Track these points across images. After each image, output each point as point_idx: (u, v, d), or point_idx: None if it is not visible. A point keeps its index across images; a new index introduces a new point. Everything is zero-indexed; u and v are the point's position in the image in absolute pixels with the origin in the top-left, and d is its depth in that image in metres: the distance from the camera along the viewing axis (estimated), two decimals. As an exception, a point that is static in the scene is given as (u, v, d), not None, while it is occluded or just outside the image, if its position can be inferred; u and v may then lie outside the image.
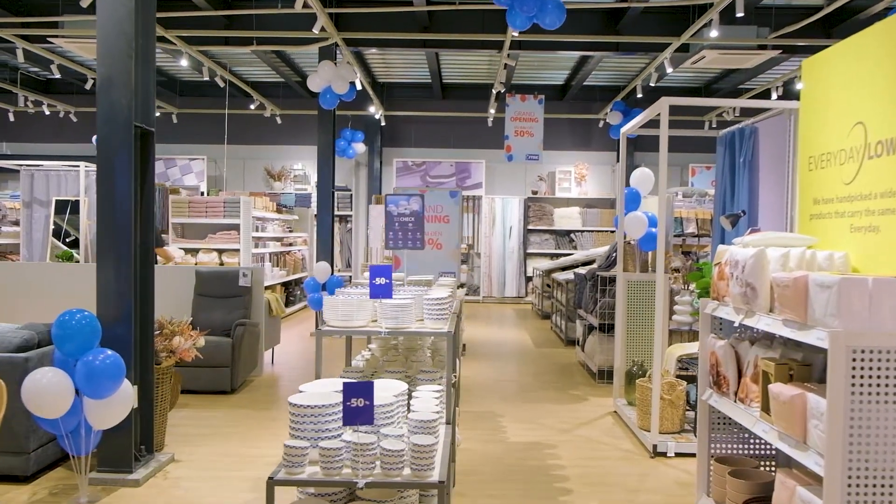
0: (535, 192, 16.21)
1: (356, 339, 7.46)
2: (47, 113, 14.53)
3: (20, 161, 12.17)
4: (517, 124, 12.20)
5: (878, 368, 2.56)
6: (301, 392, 3.22)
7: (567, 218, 15.92)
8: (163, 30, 9.45)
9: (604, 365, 7.51)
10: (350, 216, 16.39)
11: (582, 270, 8.99)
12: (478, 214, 16.21)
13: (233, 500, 4.25)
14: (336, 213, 15.52)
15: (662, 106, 5.22)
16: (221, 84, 12.44)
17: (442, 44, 10.99)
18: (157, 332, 5.04)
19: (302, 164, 16.26)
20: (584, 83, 14.53)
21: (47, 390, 3.81)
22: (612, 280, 7.29)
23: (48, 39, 10.04)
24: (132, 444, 4.52)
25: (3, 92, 14.35)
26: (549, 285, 12.42)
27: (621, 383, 6.41)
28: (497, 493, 4.48)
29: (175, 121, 15.44)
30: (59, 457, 4.65)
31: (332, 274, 9.51)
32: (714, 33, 8.59)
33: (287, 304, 12.77)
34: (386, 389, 3.27)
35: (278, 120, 15.41)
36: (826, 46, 3.63)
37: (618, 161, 14.41)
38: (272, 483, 2.73)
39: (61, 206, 11.07)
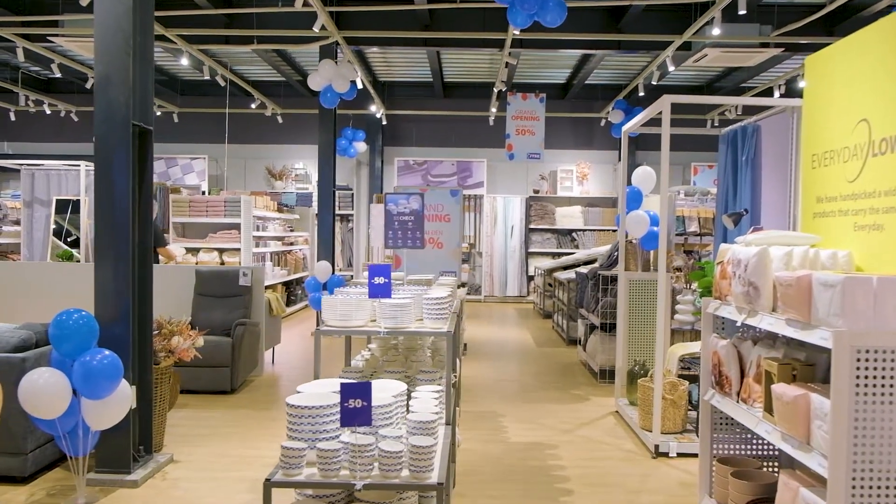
0: (536, 191, 16.17)
1: (356, 339, 7.42)
2: (48, 112, 14.52)
3: (21, 160, 12.15)
4: (518, 123, 12.17)
5: (883, 368, 2.53)
6: (299, 392, 3.19)
7: (569, 217, 15.88)
8: (163, 28, 9.42)
9: (605, 364, 7.48)
10: (351, 215, 16.37)
11: (583, 269, 8.96)
12: (479, 213, 16.17)
13: (231, 502, 4.22)
14: (337, 212, 15.51)
15: (664, 104, 5.18)
16: (222, 83, 12.42)
17: (443, 42, 10.96)
18: (156, 331, 5.01)
19: (303, 164, 16.23)
20: (586, 82, 14.48)
21: (44, 391, 3.78)
22: (614, 279, 7.25)
23: (48, 38, 10.02)
24: (130, 445, 4.49)
25: (4, 91, 14.34)
26: (550, 284, 12.38)
27: (623, 383, 6.38)
28: (497, 493, 4.45)
29: (176, 120, 15.42)
30: (57, 457, 4.63)
31: (333, 273, 9.49)
32: (716, 31, 8.54)
33: (288, 303, 12.75)
34: (385, 390, 3.24)
35: (279, 119, 15.38)
36: (829, 44, 3.59)
37: (619, 160, 14.36)
38: (269, 485, 2.70)
39: (62, 206, 11.06)
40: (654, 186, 6.51)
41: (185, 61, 10.77)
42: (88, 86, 12.06)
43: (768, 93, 13.01)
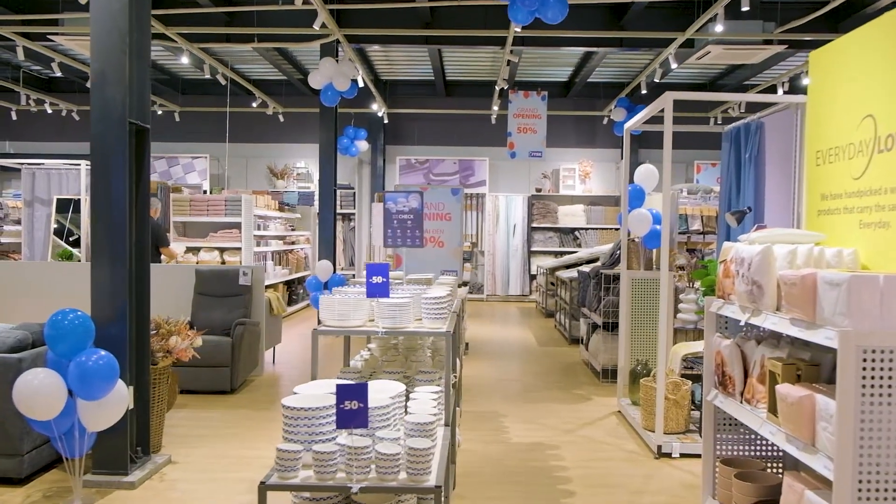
0: (538, 190, 16.12)
1: (356, 339, 7.38)
2: (49, 111, 14.48)
3: (22, 160, 12.13)
4: (520, 121, 12.11)
5: (890, 369, 2.48)
6: (295, 394, 3.15)
7: (571, 215, 15.82)
8: (163, 27, 9.39)
9: (608, 364, 7.43)
10: (353, 214, 16.32)
11: (586, 268, 8.91)
12: (481, 212, 16.12)
13: (229, 503, 4.18)
14: (339, 211, 15.48)
15: (666, 101, 5.13)
16: (223, 82, 12.38)
17: (444, 40, 10.91)
18: (154, 331, 4.97)
19: (305, 163, 16.19)
20: (588, 80, 14.43)
21: (39, 392, 3.73)
22: (616, 278, 7.20)
23: (48, 37, 9.99)
24: (128, 446, 4.45)
25: (5, 90, 14.32)
26: (553, 283, 12.33)
27: (625, 383, 6.32)
28: (498, 495, 4.40)
29: (177, 119, 15.39)
30: (54, 459, 4.58)
31: (335, 272, 9.45)
32: (719, 28, 8.48)
33: (290, 302, 12.72)
34: (383, 391, 3.19)
35: (281, 118, 15.34)
36: (833, 41, 3.53)
37: (622, 158, 14.31)
38: (264, 488, 2.66)
39: (64, 205, 11.04)
40: (657, 184, 6.45)
41: (185, 60, 10.72)
42: (89, 85, 12.01)
43: (772, 90, 12.94)
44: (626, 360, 6.43)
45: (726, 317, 3.71)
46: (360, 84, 10.85)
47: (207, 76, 11.75)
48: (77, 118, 15.01)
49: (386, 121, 15.64)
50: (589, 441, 5.53)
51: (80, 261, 10.10)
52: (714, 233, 7.36)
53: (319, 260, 9.83)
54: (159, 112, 15.26)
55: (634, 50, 11.42)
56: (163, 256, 8.87)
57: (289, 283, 12.87)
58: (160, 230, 9.13)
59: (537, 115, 12.11)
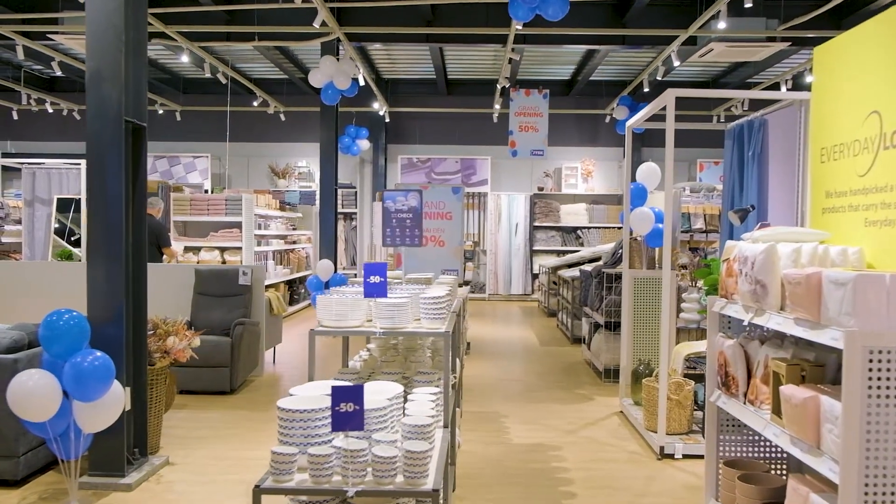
0: (541, 189, 16.06)
1: (356, 339, 7.34)
2: (50, 111, 14.46)
3: (23, 159, 12.11)
4: (521, 119, 12.05)
5: (897, 370, 2.42)
6: (291, 395, 3.10)
7: (573, 214, 15.76)
8: (162, 25, 9.35)
9: (610, 364, 7.38)
10: (355, 214, 16.28)
11: (587, 267, 8.85)
12: (483, 211, 16.06)
13: (227, 505, 4.15)
14: (341, 210, 15.44)
15: (668, 98, 5.07)
16: (223, 81, 12.34)
17: (445, 38, 10.86)
18: (151, 332, 4.93)
19: (306, 162, 16.14)
20: (591, 78, 14.36)
21: (33, 393, 3.69)
22: (618, 277, 7.15)
23: (48, 36, 9.96)
24: (124, 448, 4.41)
25: (6, 90, 14.30)
26: (555, 283, 12.27)
27: (627, 383, 6.27)
28: (498, 496, 4.36)
29: (179, 118, 15.36)
30: (50, 460, 4.54)
31: (336, 272, 9.40)
32: (722, 25, 8.41)
33: (291, 302, 12.68)
34: (380, 392, 3.14)
35: (282, 117, 15.31)
36: (838, 36, 3.48)
37: (624, 156, 14.28)
38: (259, 492, 2.61)
39: (65, 205, 11.02)
40: (659, 183, 6.39)
41: (185, 59, 10.69)
42: (85, 83, 11.98)
43: (775, 88, 12.87)
44: (629, 359, 6.39)
45: (729, 316, 3.65)
46: (362, 83, 10.81)
47: (208, 75, 11.71)
48: (78, 117, 14.98)
49: (387, 119, 15.60)
50: (590, 442, 5.48)
51: (80, 260, 10.06)
52: (717, 231, 7.30)
53: (320, 259, 9.80)
54: (160, 111, 15.23)
55: (637, 48, 11.35)
56: (164, 256, 8.84)
57: (290, 283, 12.83)
58: (162, 230, 9.10)
59: (539, 113, 12.05)
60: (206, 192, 15.22)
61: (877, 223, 3.03)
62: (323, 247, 11.31)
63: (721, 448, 3.77)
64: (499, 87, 12.36)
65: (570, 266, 11.35)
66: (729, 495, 3.49)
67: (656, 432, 5.16)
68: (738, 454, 3.76)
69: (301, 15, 9.38)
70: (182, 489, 4.39)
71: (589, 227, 15.68)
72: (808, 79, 11.78)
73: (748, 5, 7.43)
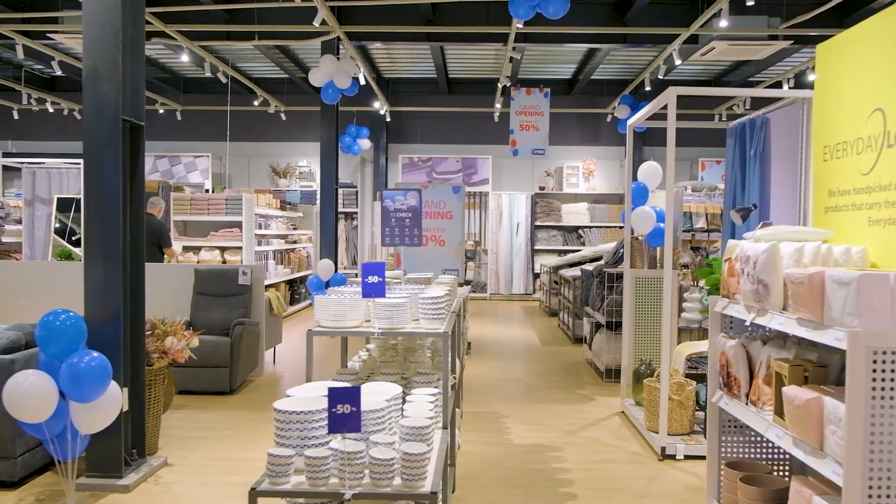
0: (542, 188, 16.02)
1: (355, 339, 7.31)
2: (51, 110, 14.44)
3: (24, 159, 12.10)
4: (522, 118, 12.01)
5: (901, 371, 2.39)
6: (288, 396, 3.07)
7: (575, 214, 15.72)
8: (162, 24, 9.32)
9: (611, 364, 7.34)
10: (356, 213, 16.24)
11: (589, 267, 8.81)
12: (485, 211, 16.03)
13: (225, 507, 4.12)
14: (342, 209, 15.41)
15: (670, 96, 5.03)
16: (224, 80, 12.31)
17: (446, 37, 10.83)
18: (149, 332, 4.90)
19: (307, 161, 16.11)
20: (592, 77, 14.32)
21: (29, 394, 3.66)
22: (620, 277, 7.11)
23: (48, 35, 9.93)
24: (122, 449, 4.38)
25: (7, 90, 14.28)
26: (556, 282, 12.24)
27: (629, 383, 6.24)
28: (498, 498, 4.32)
29: (179, 118, 15.34)
30: (48, 461, 4.52)
31: (337, 271, 9.37)
32: (724, 23, 8.37)
33: (292, 301, 12.66)
34: (378, 393, 3.11)
35: (283, 116, 15.28)
36: (841, 33, 3.44)
37: (626, 155, 14.24)
38: (254, 494, 2.58)
39: (66, 205, 11.00)
40: (661, 182, 6.36)
41: (185, 58, 10.66)
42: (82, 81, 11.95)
43: (777, 87, 12.83)
44: (630, 359, 6.35)
45: (731, 316, 3.62)
46: (362, 82, 10.78)
47: (209, 75, 11.68)
48: (79, 117, 14.94)
49: (388, 119, 15.57)
50: (591, 442, 5.44)
51: (79, 260, 10.04)
52: (719, 230, 7.26)
53: (321, 259, 9.77)
54: (161, 111, 15.22)
55: (638, 46, 11.32)
56: (165, 256, 8.82)
57: (291, 283, 12.80)
58: (164, 230, 9.08)
59: (540, 112, 12.01)
60: (207, 191, 15.20)
61: (880, 222, 2.99)
62: (323, 246, 11.28)
63: (723, 449, 3.73)
64: (500, 86, 12.32)
65: (571, 265, 11.31)
66: (731, 497, 3.45)
67: (658, 433, 5.13)
68: (740, 455, 3.73)
69: (301, 14, 9.35)
70: (180, 490, 4.36)
71: (590, 227, 15.64)
72: (811, 77, 11.73)
73: (750, 3, 7.40)
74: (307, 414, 2.76)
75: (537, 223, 15.76)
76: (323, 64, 9.48)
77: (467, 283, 12.65)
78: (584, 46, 12.24)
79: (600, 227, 15.58)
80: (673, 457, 5.01)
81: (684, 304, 6.38)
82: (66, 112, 14.87)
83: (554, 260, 13.29)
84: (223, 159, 15.84)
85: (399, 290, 4.10)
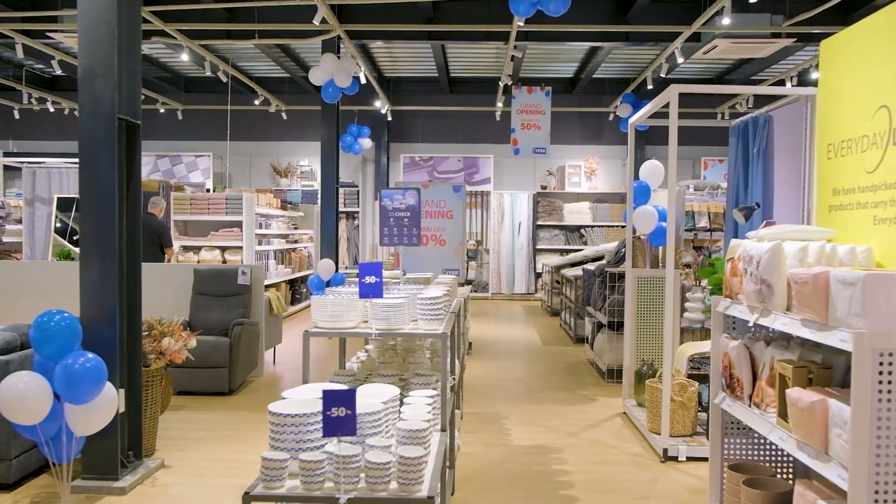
0: (544, 187, 15.97)
1: (354, 339, 7.26)
2: (52, 110, 14.41)
3: (24, 159, 12.07)
4: (523, 117, 11.96)
5: (908, 373, 2.34)
6: (284, 399, 3.03)
7: (577, 213, 15.66)
8: (162, 23, 9.28)
9: (613, 364, 7.29)
10: (357, 213, 16.20)
11: (590, 266, 8.76)
12: (486, 210, 15.98)
13: (222, 509, 4.08)
14: (343, 209, 15.37)
15: (672, 94, 4.98)
16: (224, 79, 12.28)
17: (447, 35, 10.78)
18: (146, 333, 4.86)
19: (308, 161, 16.07)
20: (594, 76, 14.26)
21: (23, 395, 3.62)
22: (622, 276, 7.06)
23: (48, 34, 9.90)
24: (118, 450, 4.34)
25: (8, 89, 14.25)
26: (558, 282, 12.19)
27: (630, 383, 6.19)
28: (498, 500, 4.28)
29: (180, 117, 15.31)
30: (43, 464, 4.47)
31: (337, 271, 9.33)
32: (726, 21, 8.31)
33: (293, 301, 12.62)
34: (375, 395, 3.07)
35: (284, 115, 15.24)
36: (845, 29, 3.39)
37: (628, 154, 14.17)
38: (248, 498, 2.54)
39: (67, 204, 10.97)
40: (663, 181, 6.30)
41: (185, 57, 10.62)
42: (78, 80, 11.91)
43: (780, 85, 12.75)
44: (632, 360, 6.30)
45: (734, 317, 3.56)
46: (363, 81, 10.74)
47: (209, 74, 11.64)
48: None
49: (389, 118, 15.52)
50: (593, 444, 5.39)
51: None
52: (721, 230, 7.21)
53: (322, 259, 9.72)
54: (162, 110, 15.18)
55: (640, 45, 11.25)
56: (167, 257, 8.79)
57: (292, 283, 12.76)
58: (165, 230, 9.05)
59: (541, 111, 11.96)
60: (209, 191, 15.16)
61: (886, 221, 2.94)
62: (324, 246, 11.24)
63: (726, 451, 3.68)
64: (501, 84, 12.27)
65: (573, 265, 11.26)
66: (734, 500, 3.40)
67: (660, 434, 5.08)
68: (744, 458, 3.68)
69: (301, 12, 9.30)
70: (176, 492, 4.32)
71: (592, 226, 15.59)
72: (814, 75, 11.67)
73: (753, 1, 7.33)
74: (302, 417, 2.71)
75: (539, 222, 15.70)
76: (323, 63, 9.44)
77: (469, 282, 12.59)
78: (586, 45, 12.18)
79: (602, 226, 15.52)
80: (675, 458, 4.96)
81: (686, 304, 6.32)
82: (66, 112, 14.85)
83: (556, 259, 13.24)
84: (224, 159, 15.81)
85: (397, 290, 4.05)
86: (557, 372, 7.97)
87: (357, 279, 3.37)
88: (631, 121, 6.42)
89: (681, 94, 4.98)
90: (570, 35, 10.66)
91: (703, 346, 5.64)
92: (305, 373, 3.37)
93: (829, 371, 2.81)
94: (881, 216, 2.97)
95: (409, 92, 15.83)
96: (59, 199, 11.04)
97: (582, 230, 15.71)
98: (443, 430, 3.31)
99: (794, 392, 2.73)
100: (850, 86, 3.27)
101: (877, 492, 2.35)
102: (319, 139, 11.48)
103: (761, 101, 12.60)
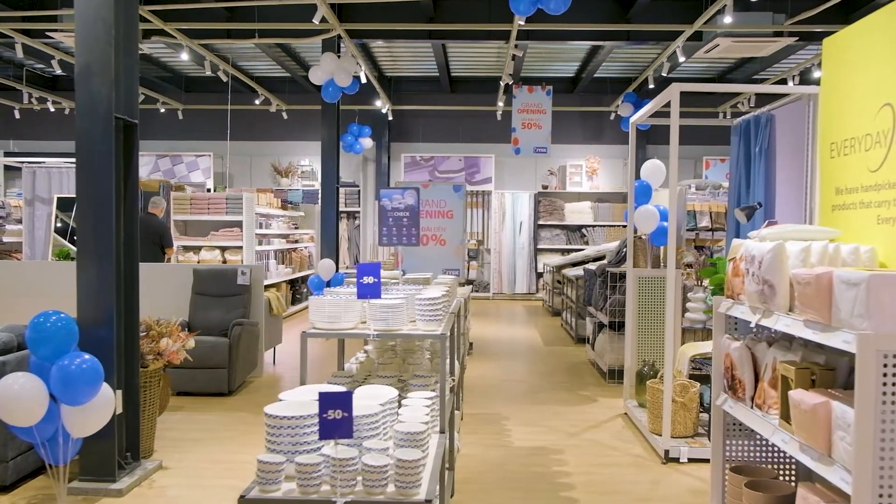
0: (545, 187, 15.93)
1: (353, 340, 7.22)
2: (52, 110, 14.39)
3: (25, 158, 12.05)
4: (524, 116, 11.92)
5: (913, 375, 2.30)
6: (281, 401, 3.00)
7: (578, 213, 15.62)
8: (161, 23, 9.26)
9: (614, 364, 7.25)
10: (358, 212, 16.17)
11: (592, 266, 8.73)
12: (487, 210, 15.95)
13: (219, 511, 4.05)
14: (344, 209, 15.33)
15: (673, 93, 4.95)
16: (224, 79, 12.25)
17: (447, 34, 10.75)
18: (144, 333, 4.83)
19: (309, 160, 16.04)
20: (595, 75, 14.23)
21: (19, 397, 3.59)
22: (623, 276, 7.03)
23: (47, 34, 9.87)
24: (115, 452, 4.31)
25: (8, 89, 14.23)
26: (559, 282, 12.15)
27: (632, 384, 6.15)
28: (498, 502, 4.24)
29: (181, 117, 15.28)
30: (40, 465, 4.44)
31: (338, 271, 9.30)
32: (728, 20, 8.28)
33: (293, 301, 12.59)
34: (373, 397, 3.03)
35: (284, 115, 15.21)
36: (848, 26, 3.35)
37: (629, 154, 14.12)
38: (244, 502, 2.50)
39: (67, 204, 10.94)
40: (664, 180, 6.27)
41: (185, 56, 10.59)
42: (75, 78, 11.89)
43: (782, 84, 12.70)
44: (633, 360, 6.26)
45: (736, 318, 3.53)
46: (364, 80, 10.71)
47: (209, 73, 11.61)
48: (80, 116, 14.89)
49: (390, 117, 15.49)
50: (594, 445, 5.36)
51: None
52: (723, 229, 7.17)
53: (322, 258, 9.69)
54: (162, 110, 15.16)
55: (641, 44, 11.21)
56: (166, 256, 8.76)
57: (292, 283, 12.73)
58: (165, 230, 9.02)
59: (542, 110, 11.92)
60: (209, 191, 15.14)
61: (889, 220, 2.90)
62: (325, 246, 11.21)
63: (727, 453, 3.65)
64: (502, 84, 12.23)
65: (574, 265, 11.23)
66: (735, 503, 3.37)
67: (661, 435, 5.05)
68: (746, 459, 3.65)
69: (301, 11, 9.27)
70: (174, 494, 4.29)
71: (594, 226, 15.55)
72: (816, 74, 11.63)
73: (755, -1, 7.30)
74: (298, 419, 2.68)
75: (540, 222, 15.67)
76: (323, 62, 9.41)
77: (470, 282, 12.56)
78: (587, 44, 12.14)
79: (604, 226, 15.49)
80: (676, 460, 4.93)
81: (688, 304, 6.29)
82: (67, 111, 14.83)
83: (557, 259, 13.20)
84: (224, 158, 15.79)
85: (396, 290, 4.01)
86: (558, 372, 7.93)
87: (349, 279, 3.34)
88: (632, 120, 6.39)
89: (682, 93, 4.95)
90: (571, 34, 10.63)
91: (705, 347, 5.61)
92: (303, 374, 3.34)
93: (833, 373, 2.78)
94: (885, 215, 2.94)
95: (409, 91, 15.80)
96: (59, 199, 11.02)
97: (583, 230, 15.67)
98: (442, 431, 3.28)
99: (796, 394, 2.70)
100: (852, 84, 3.24)
101: (881, 495, 2.31)
102: (320, 139, 11.45)
103: (763, 99, 12.56)
